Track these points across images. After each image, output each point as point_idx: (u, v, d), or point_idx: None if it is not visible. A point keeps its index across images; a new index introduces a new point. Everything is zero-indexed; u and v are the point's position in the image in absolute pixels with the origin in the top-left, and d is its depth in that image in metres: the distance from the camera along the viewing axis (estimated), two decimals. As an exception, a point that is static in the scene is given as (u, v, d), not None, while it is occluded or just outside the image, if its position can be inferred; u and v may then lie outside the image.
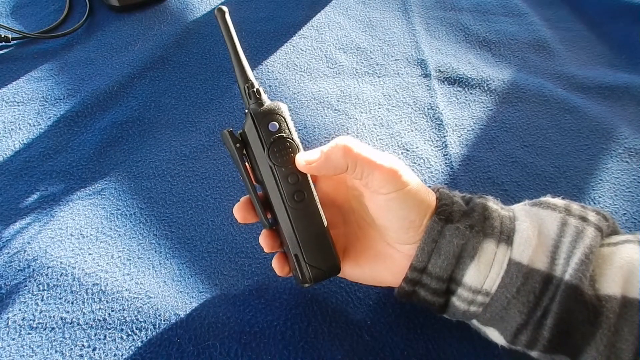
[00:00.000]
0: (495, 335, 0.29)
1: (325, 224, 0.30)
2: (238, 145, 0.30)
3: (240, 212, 0.32)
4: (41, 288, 0.35)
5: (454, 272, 0.28)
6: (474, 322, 0.30)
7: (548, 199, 0.30)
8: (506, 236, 0.28)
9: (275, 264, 0.32)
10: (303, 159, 0.29)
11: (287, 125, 0.30)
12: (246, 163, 0.31)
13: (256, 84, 0.31)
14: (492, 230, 0.28)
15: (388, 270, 0.31)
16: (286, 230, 0.30)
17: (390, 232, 0.30)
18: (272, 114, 0.30)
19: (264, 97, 0.31)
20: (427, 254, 0.28)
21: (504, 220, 0.28)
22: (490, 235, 0.28)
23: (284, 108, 0.30)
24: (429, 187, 0.31)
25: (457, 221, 0.28)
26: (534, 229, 0.28)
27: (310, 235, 0.30)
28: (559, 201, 0.30)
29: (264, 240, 0.32)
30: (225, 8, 0.31)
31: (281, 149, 0.29)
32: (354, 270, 0.32)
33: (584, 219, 0.28)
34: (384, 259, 0.31)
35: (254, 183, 0.31)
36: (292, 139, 0.30)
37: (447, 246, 0.28)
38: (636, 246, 0.27)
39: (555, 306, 0.26)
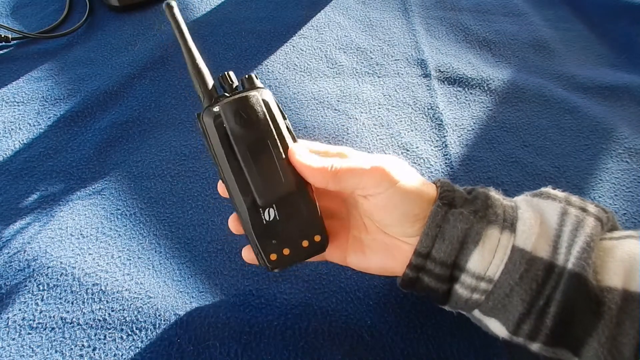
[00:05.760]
0: (496, 327, 0.29)
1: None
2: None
3: (235, 224, 0.32)
4: (41, 288, 0.35)
5: (457, 257, 0.28)
6: (475, 313, 0.30)
7: (549, 190, 0.30)
8: (509, 223, 0.28)
9: (245, 252, 0.33)
10: (302, 160, 0.29)
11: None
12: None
13: (210, 84, 0.30)
14: (495, 218, 0.28)
15: (396, 259, 0.31)
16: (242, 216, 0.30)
17: (393, 228, 0.30)
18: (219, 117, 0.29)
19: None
20: (431, 238, 0.28)
21: (506, 209, 0.29)
22: (493, 222, 0.28)
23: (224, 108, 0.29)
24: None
25: (460, 207, 0.28)
26: (536, 218, 0.28)
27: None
28: (559, 192, 0.30)
29: (233, 223, 0.32)
30: (173, 3, 0.30)
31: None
32: (360, 261, 0.32)
33: (583, 209, 0.28)
34: (391, 249, 0.31)
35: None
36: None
37: (451, 231, 0.28)
38: (638, 241, 0.27)
39: (559, 294, 0.26)
